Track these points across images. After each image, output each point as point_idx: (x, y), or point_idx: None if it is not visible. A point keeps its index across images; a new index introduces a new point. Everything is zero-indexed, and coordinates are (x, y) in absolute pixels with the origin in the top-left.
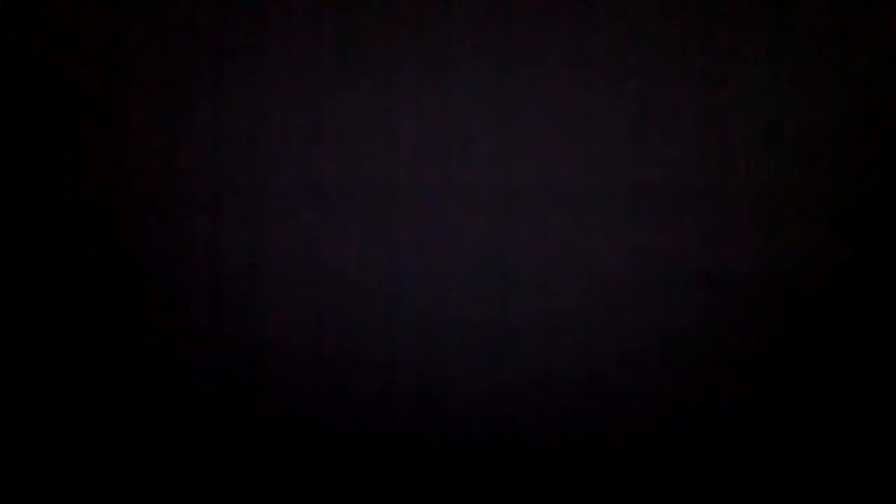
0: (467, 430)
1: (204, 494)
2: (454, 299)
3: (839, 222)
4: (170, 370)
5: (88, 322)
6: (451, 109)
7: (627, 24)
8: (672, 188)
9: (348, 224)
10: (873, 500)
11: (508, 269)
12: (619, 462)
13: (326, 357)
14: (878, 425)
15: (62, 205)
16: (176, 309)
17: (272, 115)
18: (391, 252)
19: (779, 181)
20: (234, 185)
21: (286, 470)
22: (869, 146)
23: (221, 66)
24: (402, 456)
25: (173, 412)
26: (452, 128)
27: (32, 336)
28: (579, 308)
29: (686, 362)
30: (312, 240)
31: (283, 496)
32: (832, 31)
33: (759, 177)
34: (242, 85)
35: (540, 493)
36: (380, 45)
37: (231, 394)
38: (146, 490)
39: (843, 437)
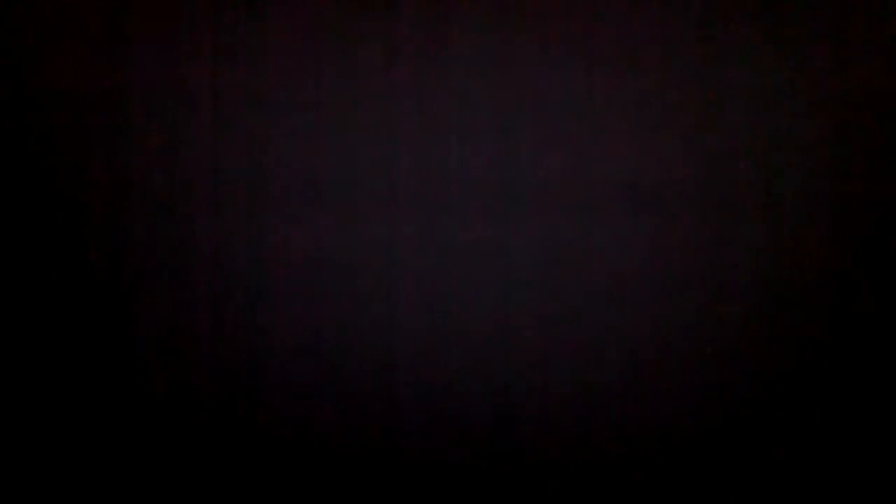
0: (468, 429)
1: (204, 495)
2: (454, 299)
3: (839, 223)
4: (170, 370)
5: (88, 322)
6: (452, 109)
7: (628, 24)
8: (672, 187)
9: (348, 224)
10: (873, 501)
11: (509, 268)
12: (620, 462)
13: (326, 357)
14: (879, 426)
15: (62, 205)
16: (176, 309)
17: (272, 115)
18: (391, 252)
19: (779, 181)
20: (234, 185)
21: (285, 471)
22: (869, 146)
23: (221, 66)
24: (403, 456)
25: (173, 412)
26: (452, 127)
27: (32, 336)
28: (579, 308)
29: (686, 362)
30: (312, 240)
31: (283, 498)
32: (832, 30)
33: (759, 177)
34: (242, 85)
35: (540, 493)
36: (380, 44)
37: (231, 394)
38: (146, 491)
39: (844, 437)
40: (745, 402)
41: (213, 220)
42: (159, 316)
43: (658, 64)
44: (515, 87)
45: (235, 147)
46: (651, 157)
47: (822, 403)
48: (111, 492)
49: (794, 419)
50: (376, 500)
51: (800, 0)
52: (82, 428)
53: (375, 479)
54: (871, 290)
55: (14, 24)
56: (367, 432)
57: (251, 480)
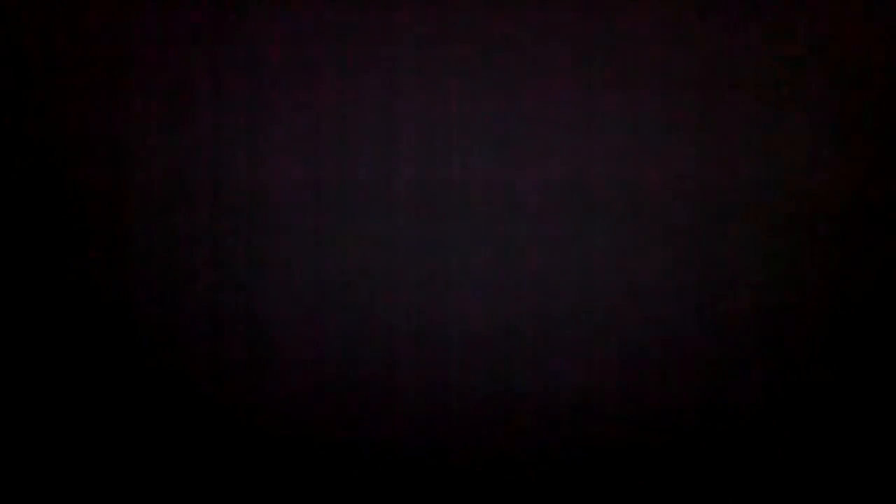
0: (467, 430)
1: (204, 495)
2: (454, 299)
3: (839, 222)
4: (170, 370)
5: (88, 322)
6: (452, 109)
7: (628, 25)
8: (672, 188)
9: (348, 224)
10: (873, 501)
11: (508, 269)
12: (619, 462)
13: (326, 357)
14: (879, 426)
15: (62, 205)
16: (176, 309)
17: (272, 115)
18: (391, 252)
19: (779, 181)
20: (234, 185)
21: (285, 471)
22: (869, 146)
23: (221, 66)
24: (402, 456)
25: (173, 412)
26: (452, 128)
27: (32, 336)
28: (579, 308)
29: (686, 362)
30: (312, 240)
31: (283, 497)
32: (832, 30)
33: (759, 177)
34: (242, 85)
35: (540, 492)
36: (380, 44)
37: (231, 394)
38: (146, 490)
39: (844, 437)
40: (745, 401)
41: (213, 220)
42: (159, 315)
43: (658, 64)
44: (515, 88)
45: (235, 147)
46: (651, 158)
47: (822, 403)
48: (111, 491)
49: (794, 419)
50: (376, 500)
51: (800, 1)
52: (82, 427)
53: (375, 478)
54: (871, 290)
55: (15, 24)
56: (367, 432)
57: (251, 480)
